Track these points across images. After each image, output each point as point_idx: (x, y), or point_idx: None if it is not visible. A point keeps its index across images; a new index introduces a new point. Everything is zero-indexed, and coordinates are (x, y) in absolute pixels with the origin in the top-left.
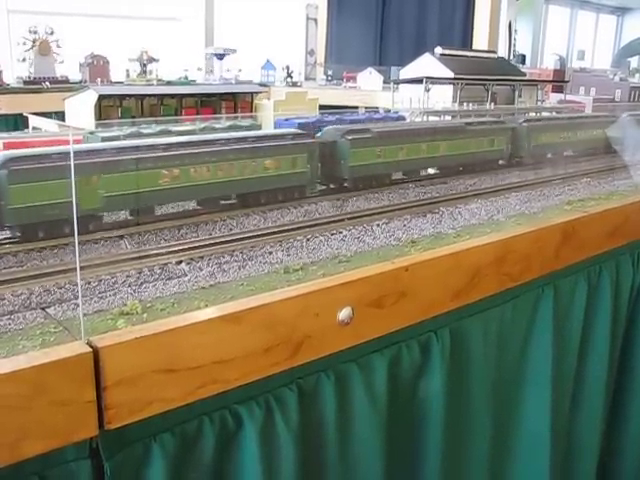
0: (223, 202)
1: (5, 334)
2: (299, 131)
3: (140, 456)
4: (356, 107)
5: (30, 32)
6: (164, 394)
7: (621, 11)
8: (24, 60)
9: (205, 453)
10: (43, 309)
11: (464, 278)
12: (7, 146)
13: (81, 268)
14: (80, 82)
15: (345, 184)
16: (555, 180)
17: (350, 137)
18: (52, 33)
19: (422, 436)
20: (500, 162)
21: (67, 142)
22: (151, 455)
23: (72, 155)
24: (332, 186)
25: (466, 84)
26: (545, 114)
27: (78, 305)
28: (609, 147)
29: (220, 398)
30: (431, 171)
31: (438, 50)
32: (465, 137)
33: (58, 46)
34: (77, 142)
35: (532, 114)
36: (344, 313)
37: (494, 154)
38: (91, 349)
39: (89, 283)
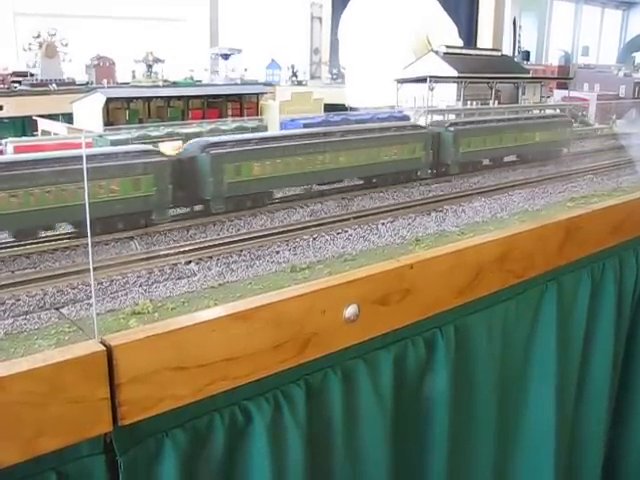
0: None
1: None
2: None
3: (153, 451)
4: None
5: (35, 37)
6: (175, 391)
7: (626, 5)
8: (34, 66)
9: (215, 448)
10: (57, 309)
11: (468, 275)
12: (18, 150)
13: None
14: (86, 84)
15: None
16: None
17: (452, 129)
18: (66, 45)
19: (428, 430)
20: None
21: (77, 145)
22: (163, 450)
23: (85, 159)
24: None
25: (470, 82)
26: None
27: (91, 305)
28: None
29: (229, 394)
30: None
31: (442, 49)
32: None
33: (62, 44)
34: (88, 145)
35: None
36: (350, 310)
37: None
38: (105, 347)
39: (101, 283)
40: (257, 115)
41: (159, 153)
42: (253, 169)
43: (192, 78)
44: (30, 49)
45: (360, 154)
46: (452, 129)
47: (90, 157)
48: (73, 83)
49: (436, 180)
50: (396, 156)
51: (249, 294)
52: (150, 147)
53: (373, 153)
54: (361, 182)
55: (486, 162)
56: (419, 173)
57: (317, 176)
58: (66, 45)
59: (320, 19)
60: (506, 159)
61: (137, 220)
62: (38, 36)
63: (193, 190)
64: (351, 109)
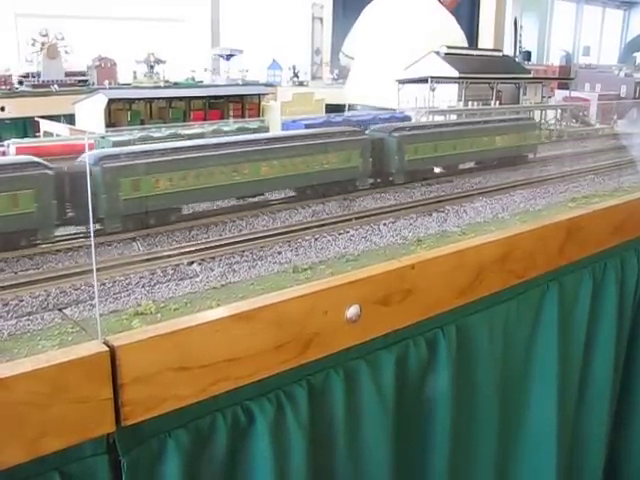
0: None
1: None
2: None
3: (155, 451)
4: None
5: (43, 35)
6: (178, 391)
7: (628, 5)
8: (31, 61)
9: (218, 448)
10: (60, 310)
11: (469, 275)
12: (19, 151)
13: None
14: (88, 84)
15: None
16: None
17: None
18: (63, 39)
19: (430, 431)
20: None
21: (80, 146)
22: (166, 450)
23: (88, 161)
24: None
25: (471, 83)
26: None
27: (94, 306)
28: None
29: (232, 395)
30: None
31: (443, 49)
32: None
33: (66, 52)
34: (90, 146)
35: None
36: (352, 311)
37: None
38: (108, 348)
39: (104, 284)
40: (259, 116)
41: (42, 165)
42: (155, 184)
43: (193, 79)
44: (34, 45)
45: (284, 164)
46: (396, 134)
47: None
48: (75, 84)
49: (376, 191)
50: (327, 165)
51: (251, 295)
52: (32, 158)
53: (299, 162)
54: (293, 194)
55: (440, 170)
56: (357, 184)
57: (233, 189)
58: (67, 53)
59: (321, 20)
60: (462, 166)
61: (17, 240)
62: (45, 34)
63: (85, 207)
64: (350, 106)
